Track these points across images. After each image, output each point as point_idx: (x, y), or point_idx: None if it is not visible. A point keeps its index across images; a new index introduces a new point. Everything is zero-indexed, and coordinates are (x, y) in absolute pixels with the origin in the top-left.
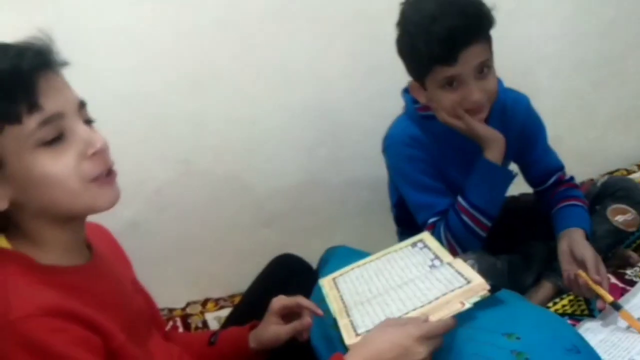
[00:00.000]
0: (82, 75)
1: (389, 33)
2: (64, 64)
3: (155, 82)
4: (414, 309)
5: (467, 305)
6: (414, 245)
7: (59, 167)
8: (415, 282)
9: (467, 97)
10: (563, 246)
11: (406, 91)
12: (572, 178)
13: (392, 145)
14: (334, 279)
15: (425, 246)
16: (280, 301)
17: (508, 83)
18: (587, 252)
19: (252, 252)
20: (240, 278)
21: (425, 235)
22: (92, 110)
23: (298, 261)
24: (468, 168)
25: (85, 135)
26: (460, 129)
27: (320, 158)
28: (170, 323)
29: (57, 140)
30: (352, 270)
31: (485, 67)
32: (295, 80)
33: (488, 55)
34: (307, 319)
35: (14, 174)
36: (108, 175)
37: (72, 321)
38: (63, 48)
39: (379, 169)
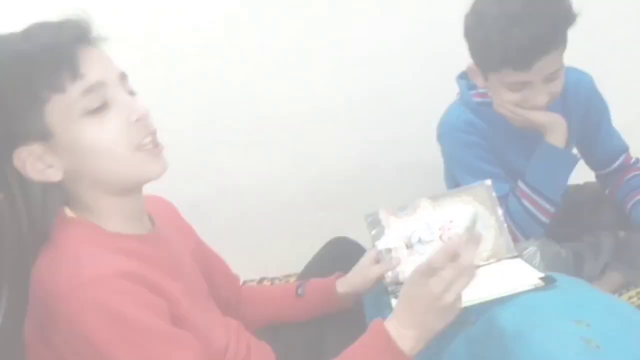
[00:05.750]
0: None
1: (450, 17)
2: (103, 38)
3: (216, 65)
4: None
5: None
6: None
7: (105, 134)
8: None
9: (531, 99)
10: None
11: (461, 77)
12: (637, 161)
13: (447, 132)
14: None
15: None
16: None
17: None
18: None
19: (308, 234)
20: (295, 259)
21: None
22: (158, 95)
23: (353, 244)
24: (529, 152)
25: (128, 103)
26: (516, 121)
27: (377, 142)
28: None
29: (101, 108)
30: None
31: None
32: (355, 64)
33: (561, 59)
34: (396, 259)
35: (63, 144)
36: (155, 147)
37: (140, 284)
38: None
39: (436, 154)
